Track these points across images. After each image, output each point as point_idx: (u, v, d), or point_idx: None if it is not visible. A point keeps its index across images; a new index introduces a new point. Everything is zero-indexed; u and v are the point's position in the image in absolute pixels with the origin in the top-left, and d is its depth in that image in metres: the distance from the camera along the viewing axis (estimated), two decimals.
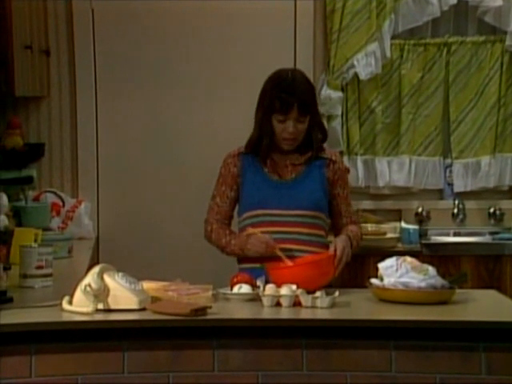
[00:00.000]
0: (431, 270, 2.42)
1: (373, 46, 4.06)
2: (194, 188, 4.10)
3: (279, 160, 2.74)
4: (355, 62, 4.05)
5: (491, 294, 2.64)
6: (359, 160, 4.16)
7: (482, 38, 4.18)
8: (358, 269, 3.50)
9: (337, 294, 2.36)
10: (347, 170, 2.83)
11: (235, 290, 2.42)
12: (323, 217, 2.73)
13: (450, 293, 2.43)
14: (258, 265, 2.61)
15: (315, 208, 2.70)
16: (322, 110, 4.04)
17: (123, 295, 2.24)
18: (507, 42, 4.11)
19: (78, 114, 4.09)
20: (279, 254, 2.57)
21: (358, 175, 4.13)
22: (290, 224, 2.67)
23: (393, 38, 4.14)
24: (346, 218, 2.78)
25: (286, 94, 2.66)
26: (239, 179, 2.74)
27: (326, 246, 2.67)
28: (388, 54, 4.09)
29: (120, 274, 2.30)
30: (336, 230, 2.78)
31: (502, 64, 4.16)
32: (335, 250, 2.58)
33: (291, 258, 2.59)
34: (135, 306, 2.23)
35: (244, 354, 2.17)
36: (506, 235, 3.99)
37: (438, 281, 2.40)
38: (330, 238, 2.75)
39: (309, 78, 2.80)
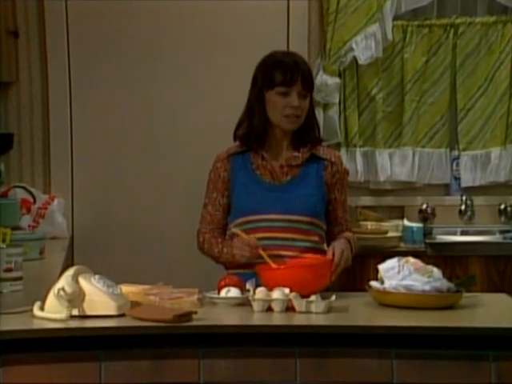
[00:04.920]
0: (436, 271, 2.44)
1: (373, 28, 4.08)
2: (178, 183, 4.11)
3: (273, 160, 2.74)
4: (354, 45, 4.06)
5: (502, 298, 2.65)
6: (358, 152, 4.17)
7: (492, 19, 4.20)
8: (356, 271, 3.51)
9: (333, 298, 2.37)
10: (347, 173, 2.83)
11: (223, 293, 2.43)
12: (320, 223, 2.75)
13: (456, 297, 2.44)
14: (246, 270, 2.61)
15: (312, 214, 2.71)
16: (317, 98, 4.07)
17: (100, 300, 2.24)
18: None
19: (49, 102, 4.08)
20: (262, 254, 2.58)
21: (356, 169, 4.14)
22: (285, 230, 2.68)
23: (395, 18, 4.16)
24: (341, 226, 2.79)
25: (290, 64, 2.68)
26: (230, 184, 2.74)
27: (323, 253, 2.68)
28: (390, 36, 4.10)
29: (97, 276, 2.31)
30: (329, 237, 2.79)
31: None
32: (333, 255, 2.59)
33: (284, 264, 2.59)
34: (113, 312, 2.24)
35: (232, 364, 2.18)
36: None
37: (444, 284, 2.42)
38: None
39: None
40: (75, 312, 2.22)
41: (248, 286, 2.44)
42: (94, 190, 4.13)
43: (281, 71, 2.67)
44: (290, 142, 2.75)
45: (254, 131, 2.72)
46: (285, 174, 2.73)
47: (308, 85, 2.70)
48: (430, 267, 2.46)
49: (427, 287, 2.39)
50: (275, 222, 2.68)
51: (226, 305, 2.41)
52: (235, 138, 2.78)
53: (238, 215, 2.73)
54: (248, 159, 2.74)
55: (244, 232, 2.66)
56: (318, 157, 2.76)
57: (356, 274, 3.52)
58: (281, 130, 2.73)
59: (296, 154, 2.74)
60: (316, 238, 2.73)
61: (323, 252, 2.70)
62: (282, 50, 2.84)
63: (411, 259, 2.48)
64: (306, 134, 2.74)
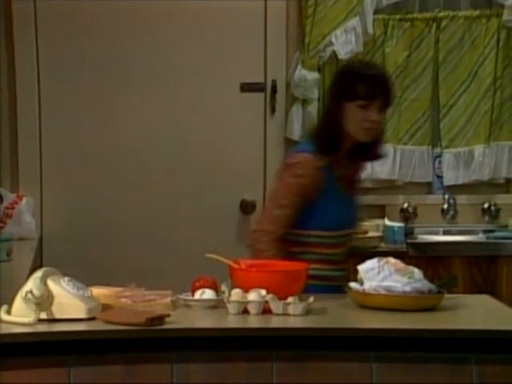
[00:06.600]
0: (417, 272, 2.45)
1: (353, 22, 4.09)
2: (150, 182, 4.10)
3: (346, 170, 2.84)
4: (333, 39, 4.07)
5: (485, 300, 2.67)
6: None
7: (475, 13, 4.23)
8: None
9: (311, 299, 2.38)
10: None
11: (197, 295, 2.43)
12: None
13: (437, 298, 2.45)
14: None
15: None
16: (296, 93, 4.08)
17: (70, 303, 2.23)
18: (504, 17, 4.15)
19: (17, 97, 4.06)
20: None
21: None
22: (343, 244, 2.87)
23: (376, 12, 4.17)
24: None
25: (373, 79, 2.76)
26: (318, 193, 2.78)
27: None
28: (370, 30, 4.12)
29: (66, 278, 2.30)
30: None
31: (498, 41, 4.21)
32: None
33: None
34: (83, 315, 2.23)
35: (207, 368, 2.18)
36: (502, 234, 4.02)
37: (425, 285, 2.43)
38: None
39: None
40: (43, 316, 2.21)
41: (223, 287, 2.44)
42: (64, 189, 4.11)
43: (364, 85, 2.74)
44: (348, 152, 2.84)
45: (335, 142, 2.78)
46: (354, 188, 2.90)
47: (388, 100, 2.78)
48: (410, 268, 2.48)
49: (408, 288, 2.40)
50: (344, 237, 2.87)
51: (200, 307, 2.41)
52: (320, 145, 2.80)
53: (323, 228, 2.80)
54: (331, 170, 2.81)
55: (325, 246, 2.79)
56: None
57: None
58: (351, 141, 2.80)
59: (357, 167, 2.91)
60: None
61: None
62: (364, 61, 2.99)
63: (391, 260, 2.49)
64: (372, 147, 2.84)
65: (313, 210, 2.79)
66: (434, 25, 4.22)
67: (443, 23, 4.21)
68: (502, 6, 4.17)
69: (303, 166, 2.77)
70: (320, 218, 2.80)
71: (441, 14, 4.22)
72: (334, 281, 2.78)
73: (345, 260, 2.88)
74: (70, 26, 4.06)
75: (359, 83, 2.75)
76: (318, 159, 2.78)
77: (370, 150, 2.85)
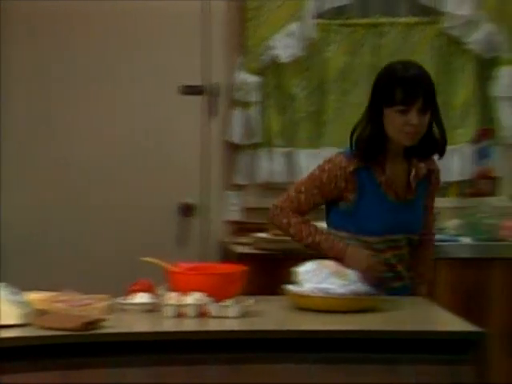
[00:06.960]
0: (352, 274, 2.48)
1: (294, 26, 4.12)
2: (104, 190, 4.08)
3: (397, 175, 2.77)
4: (274, 43, 4.09)
5: (421, 302, 2.70)
6: (278, 153, 4.20)
7: (415, 19, 4.28)
8: (275, 274, 3.53)
9: (250, 301, 2.39)
10: (439, 181, 2.94)
11: (133, 299, 2.42)
12: None
13: (373, 300, 2.48)
14: None
15: (419, 231, 2.84)
16: (236, 96, 4.09)
17: (3, 309, 2.20)
18: (444, 24, 4.22)
19: None
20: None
21: (276, 170, 4.17)
22: (405, 246, 2.80)
23: (317, 17, 4.19)
24: (424, 230, 2.89)
25: (410, 82, 2.68)
26: (351, 195, 2.73)
27: None
28: (311, 34, 4.15)
29: (2, 284, 2.27)
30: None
31: (437, 48, 4.26)
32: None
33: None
34: (17, 321, 2.20)
35: (143, 372, 2.18)
36: (440, 236, 4.04)
37: (360, 286, 2.46)
38: None
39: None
40: None
41: (160, 291, 2.44)
42: (23, 193, 4.05)
43: (401, 90, 2.66)
44: (403, 153, 2.78)
45: (374, 146, 2.73)
46: (408, 192, 2.78)
47: (429, 100, 2.69)
48: (347, 270, 2.50)
49: (343, 290, 2.43)
50: (400, 241, 2.78)
51: (136, 311, 2.40)
52: (356, 148, 2.75)
53: (364, 232, 2.75)
54: (372, 173, 2.75)
55: (374, 250, 2.73)
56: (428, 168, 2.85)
57: (275, 276, 3.53)
58: (395, 145, 2.75)
59: (415, 172, 2.79)
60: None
61: None
62: (403, 62, 2.83)
63: (328, 262, 2.52)
64: (423, 147, 2.76)
65: (350, 213, 2.76)
66: (375, 31, 4.26)
67: (383, 29, 4.26)
68: (441, 14, 4.23)
69: (331, 163, 2.76)
70: (358, 222, 2.76)
71: (381, 20, 4.27)
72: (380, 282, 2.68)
73: (402, 263, 2.79)
74: (24, 28, 4.02)
75: (396, 88, 2.67)
76: (352, 162, 2.74)
77: (422, 148, 2.76)
